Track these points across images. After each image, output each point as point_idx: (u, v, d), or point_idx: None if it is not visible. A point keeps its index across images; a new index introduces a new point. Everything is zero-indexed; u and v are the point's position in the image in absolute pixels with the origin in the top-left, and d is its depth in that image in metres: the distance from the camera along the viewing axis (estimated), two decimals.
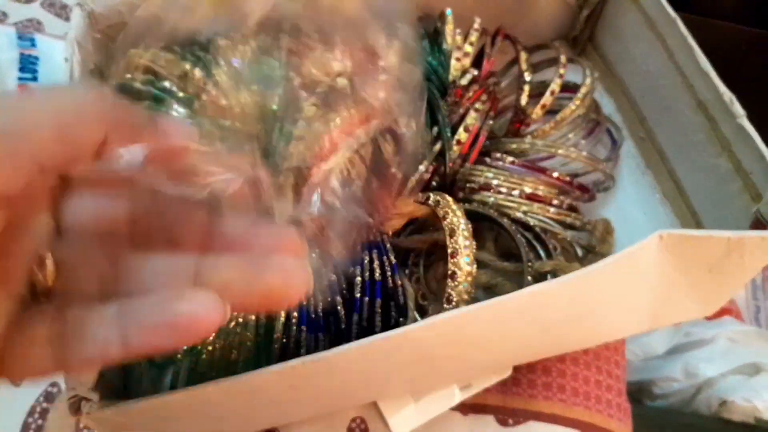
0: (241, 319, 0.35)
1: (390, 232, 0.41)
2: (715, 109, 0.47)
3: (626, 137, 0.58)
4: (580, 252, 0.49)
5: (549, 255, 0.46)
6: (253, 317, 0.36)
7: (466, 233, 0.39)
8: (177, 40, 0.49)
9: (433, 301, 0.45)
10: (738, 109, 0.44)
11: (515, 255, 0.47)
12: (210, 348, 0.35)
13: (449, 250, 0.39)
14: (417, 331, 0.35)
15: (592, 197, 0.49)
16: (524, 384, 0.48)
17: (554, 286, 0.37)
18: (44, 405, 0.44)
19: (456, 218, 0.40)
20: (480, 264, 0.46)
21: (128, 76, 0.45)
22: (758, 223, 0.43)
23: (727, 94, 0.45)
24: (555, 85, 0.49)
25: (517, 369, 0.48)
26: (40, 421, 0.43)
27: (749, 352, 0.69)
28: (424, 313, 0.44)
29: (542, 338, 0.44)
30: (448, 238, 0.39)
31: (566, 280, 0.37)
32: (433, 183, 0.46)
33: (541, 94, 0.54)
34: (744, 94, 0.46)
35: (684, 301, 0.46)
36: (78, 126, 0.19)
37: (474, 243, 0.39)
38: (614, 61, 0.60)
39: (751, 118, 0.45)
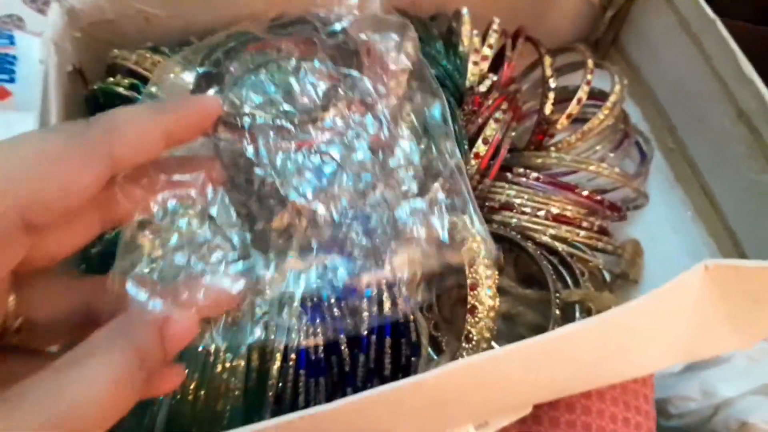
0: (228, 364, 0.31)
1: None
2: (760, 120, 0.42)
3: (654, 148, 0.53)
4: (607, 276, 0.45)
5: (576, 282, 0.42)
6: (243, 362, 0.31)
7: (487, 261, 0.35)
8: (168, 41, 0.45)
9: (447, 331, 0.41)
10: None
11: (537, 280, 0.43)
12: (191, 397, 0.31)
13: (468, 281, 0.35)
14: (434, 379, 0.31)
15: (624, 217, 0.44)
16: (546, 422, 0.44)
17: (589, 326, 0.33)
18: None
19: (475, 244, 0.35)
20: (499, 290, 0.42)
21: (111, 79, 0.41)
22: None
23: None
24: (582, 93, 0.44)
25: (537, 405, 0.43)
26: None
27: None
28: (437, 346, 0.40)
29: (569, 376, 0.39)
30: (467, 267, 0.35)
31: (603, 319, 0.33)
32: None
33: (564, 101, 0.50)
34: None
35: (723, 334, 0.41)
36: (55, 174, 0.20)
37: (496, 272, 0.35)
38: (641, 66, 0.55)
39: None
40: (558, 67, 0.52)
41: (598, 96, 0.49)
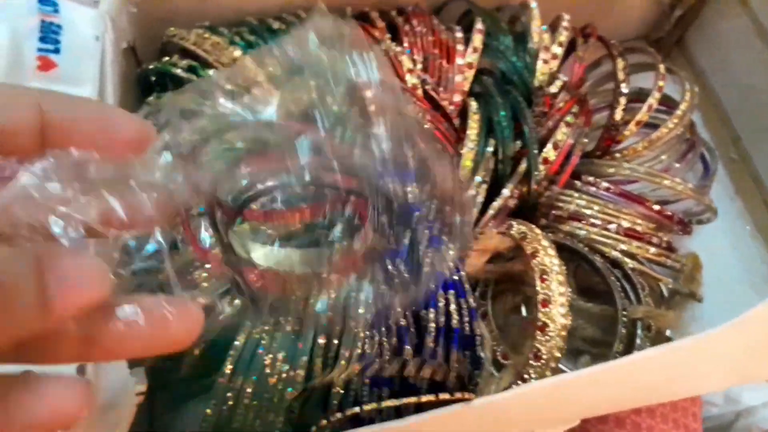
0: (285, 374, 0.29)
1: (469, 271, 0.35)
2: None
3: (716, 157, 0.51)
4: (665, 290, 0.44)
5: (637, 297, 0.40)
6: (302, 372, 0.30)
7: (560, 277, 0.33)
8: (223, 19, 0.43)
9: (501, 340, 0.39)
10: None
11: (597, 292, 0.41)
12: (244, 404, 0.29)
13: (540, 297, 0.33)
14: (506, 400, 0.30)
15: (689, 232, 0.43)
16: None
17: (662, 353, 0.31)
18: None
19: (549, 258, 0.34)
20: None
21: (167, 59, 0.39)
22: None
23: None
24: (653, 99, 0.42)
25: (585, 419, 0.42)
26: None
27: None
28: (493, 358, 0.38)
29: (624, 395, 0.38)
30: (538, 281, 0.33)
31: (677, 345, 0.32)
32: (511, 206, 0.40)
33: (631, 101, 0.47)
34: None
35: None
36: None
37: (569, 289, 0.33)
38: (706, 70, 0.53)
39: None
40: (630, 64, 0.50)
41: (664, 102, 0.47)
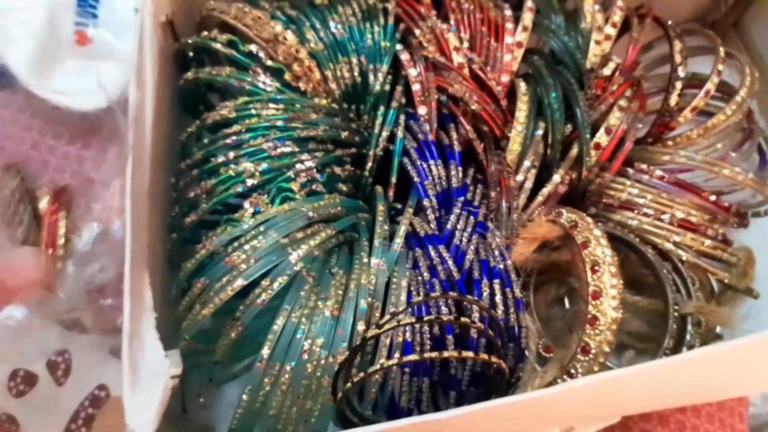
0: (323, 361, 0.28)
1: (516, 259, 0.33)
2: None
3: None
4: (715, 285, 0.42)
5: (688, 291, 0.38)
6: (340, 359, 0.28)
7: (613, 269, 0.32)
8: None
9: (544, 332, 0.38)
10: None
11: (644, 284, 0.40)
12: (281, 390, 0.28)
13: (590, 289, 0.32)
14: (555, 395, 0.28)
15: (746, 225, 0.41)
16: None
17: (716, 352, 0.30)
18: (90, 410, 0.38)
19: (601, 249, 0.32)
20: None
21: (206, 34, 0.38)
22: None
23: None
24: (711, 84, 0.40)
25: (627, 416, 0.41)
26: (83, 429, 0.37)
27: None
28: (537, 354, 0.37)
29: (671, 393, 0.37)
30: (589, 272, 0.32)
31: (732, 346, 0.30)
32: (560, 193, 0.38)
33: (687, 86, 0.45)
34: None
35: None
36: None
37: (621, 281, 0.32)
38: (765, 55, 0.50)
39: None
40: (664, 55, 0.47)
41: (721, 88, 0.44)
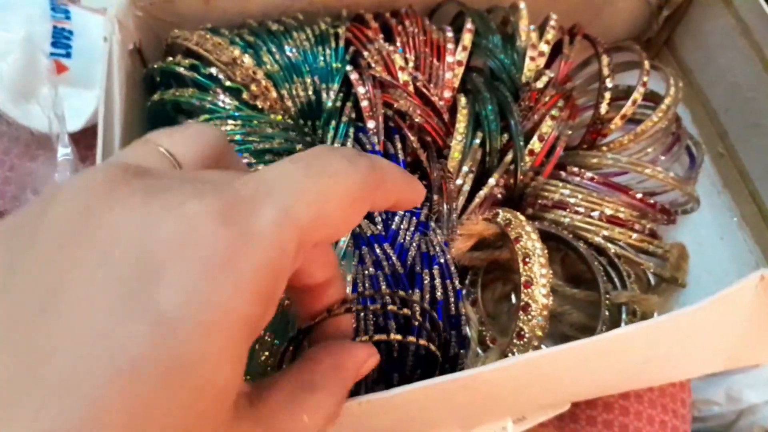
0: (274, 349, 0.31)
1: (455, 254, 0.36)
2: None
3: (704, 153, 0.53)
4: (652, 279, 0.45)
5: (623, 283, 0.42)
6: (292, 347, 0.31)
7: (542, 260, 0.35)
8: (226, 22, 0.45)
9: (491, 327, 0.41)
10: None
11: (584, 280, 0.43)
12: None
13: (522, 279, 0.35)
14: (488, 373, 0.31)
15: (673, 221, 0.44)
16: (582, 420, 0.44)
17: (640, 330, 0.33)
18: None
19: (531, 242, 0.35)
20: None
21: (171, 59, 0.41)
22: None
23: None
24: (638, 94, 0.44)
25: (575, 404, 0.44)
26: None
27: None
28: (482, 342, 0.40)
29: (611, 378, 0.40)
30: (521, 264, 0.35)
31: (654, 324, 0.33)
32: (498, 196, 0.41)
33: (616, 100, 0.49)
34: None
35: None
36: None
37: (551, 271, 0.35)
38: (694, 69, 0.55)
39: None
40: (617, 63, 0.51)
41: (650, 98, 0.48)
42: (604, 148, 0.45)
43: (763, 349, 0.42)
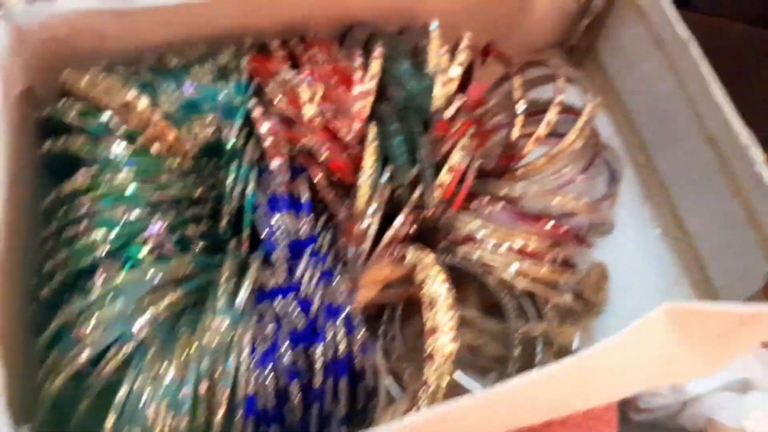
0: (169, 423, 0.30)
1: (361, 303, 0.36)
2: (728, 149, 0.42)
3: (625, 163, 0.53)
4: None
5: (540, 312, 0.41)
6: (186, 419, 0.30)
7: (448, 304, 0.34)
8: (125, 56, 0.43)
9: (411, 360, 0.40)
10: (755, 153, 0.39)
11: (501, 311, 0.42)
12: None
13: (427, 326, 0.34)
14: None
15: (590, 245, 0.44)
16: None
17: (554, 371, 0.33)
18: None
19: (437, 286, 0.35)
20: (462, 321, 0.41)
21: (59, 106, 0.39)
22: None
23: (744, 135, 0.40)
24: (552, 114, 0.43)
25: None
26: None
27: (740, 367, 0.66)
28: (399, 379, 0.39)
29: (531, 412, 0.39)
30: (426, 310, 0.34)
31: (567, 364, 0.33)
32: (410, 231, 0.41)
33: (538, 113, 0.49)
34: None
35: (687, 366, 0.42)
36: None
37: (458, 314, 0.34)
38: (616, 77, 0.54)
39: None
40: (531, 78, 0.50)
41: (570, 110, 0.48)
42: (521, 170, 0.45)
43: (679, 372, 0.42)
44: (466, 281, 0.41)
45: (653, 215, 0.51)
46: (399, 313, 0.41)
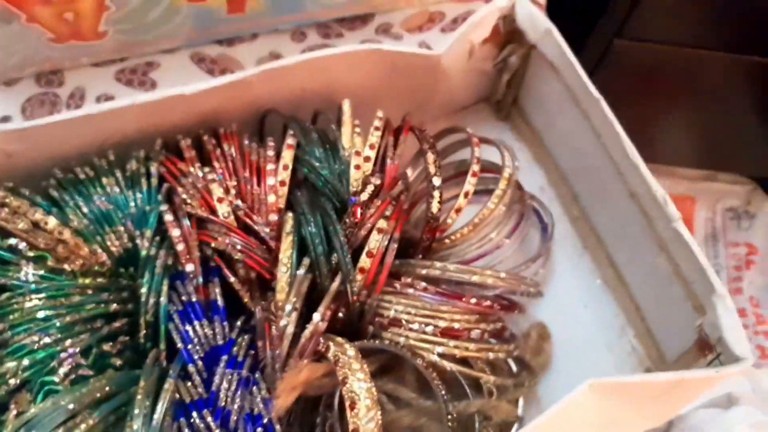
0: None
1: (280, 412, 0.35)
2: (648, 206, 0.42)
3: (561, 214, 0.53)
4: (513, 366, 0.44)
5: (478, 385, 0.41)
6: None
7: (369, 403, 0.34)
8: (36, 173, 0.43)
9: None
10: (673, 210, 0.39)
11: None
12: None
13: (350, 427, 0.33)
14: None
15: (522, 310, 0.43)
16: None
17: None
18: None
19: (358, 384, 0.34)
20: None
21: None
22: (703, 343, 0.38)
23: (660, 192, 0.40)
24: (469, 186, 0.43)
25: None
26: None
27: (723, 383, 0.65)
28: None
29: None
30: (348, 410, 0.34)
31: None
32: (340, 315, 0.40)
33: (461, 174, 0.49)
34: None
35: (630, 423, 0.41)
36: None
37: (379, 414, 0.34)
38: (542, 130, 0.55)
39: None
40: (449, 145, 0.51)
41: (492, 170, 0.48)
42: (448, 241, 0.45)
43: (626, 427, 0.42)
44: (402, 360, 0.41)
45: (593, 266, 0.51)
46: (336, 400, 0.41)
